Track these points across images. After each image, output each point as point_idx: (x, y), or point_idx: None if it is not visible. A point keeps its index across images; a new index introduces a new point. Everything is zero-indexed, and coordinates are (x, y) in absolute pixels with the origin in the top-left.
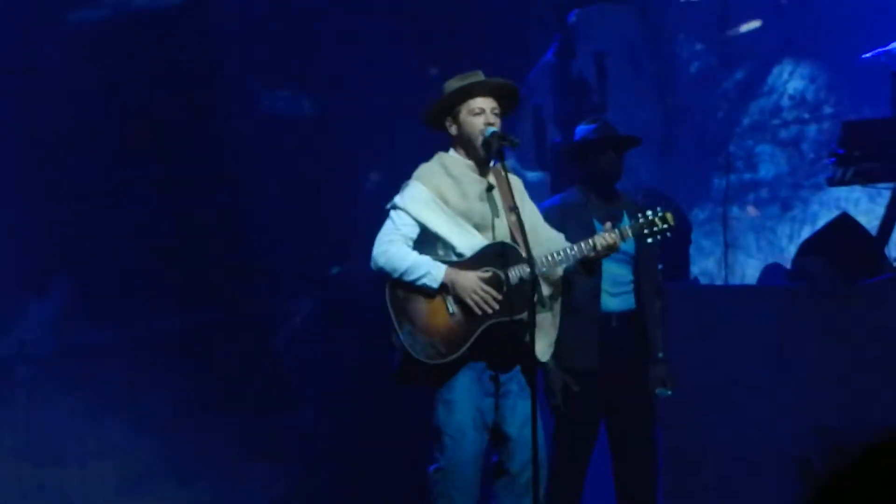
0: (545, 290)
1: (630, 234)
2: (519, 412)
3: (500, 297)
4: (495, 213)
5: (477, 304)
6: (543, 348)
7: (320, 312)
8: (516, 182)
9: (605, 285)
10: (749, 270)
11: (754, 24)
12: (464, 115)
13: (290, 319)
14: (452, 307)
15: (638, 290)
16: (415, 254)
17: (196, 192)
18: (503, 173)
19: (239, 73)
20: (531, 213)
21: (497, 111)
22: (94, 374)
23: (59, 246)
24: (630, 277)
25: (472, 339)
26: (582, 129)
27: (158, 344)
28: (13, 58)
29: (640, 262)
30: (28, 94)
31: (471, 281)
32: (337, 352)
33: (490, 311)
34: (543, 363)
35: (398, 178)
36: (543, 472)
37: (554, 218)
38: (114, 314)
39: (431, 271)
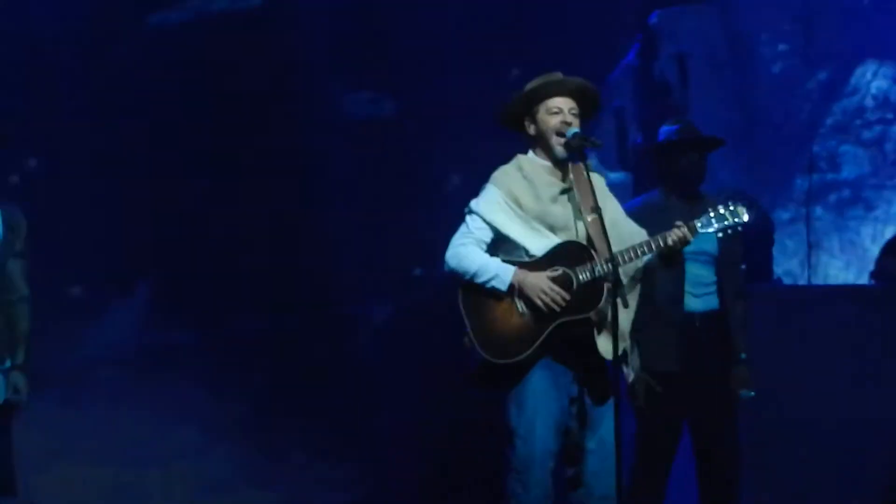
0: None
1: (699, 228)
2: (595, 422)
3: (569, 296)
4: (572, 214)
5: (545, 304)
6: (609, 344)
7: (402, 314)
8: (598, 180)
9: (687, 286)
10: (832, 271)
11: None
12: (541, 114)
13: (371, 321)
14: (523, 308)
15: (721, 291)
16: (485, 256)
17: (278, 195)
18: (584, 173)
19: (320, 76)
20: (613, 210)
21: (575, 111)
22: (176, 376)
23: (143, 252)
24: (713, 278)
25: (542, 338)
26: (665, 130)
27: (239, 346)
28: (95, 68)
29: (722, 262)
30: (106, 104)
31: (539, 280)
32: (419, 353)
33: (558, 309)
34: (611, 360)
35: (480, 181)
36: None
37: (635, 219)
38: (195, 317)
39: (500, 273)
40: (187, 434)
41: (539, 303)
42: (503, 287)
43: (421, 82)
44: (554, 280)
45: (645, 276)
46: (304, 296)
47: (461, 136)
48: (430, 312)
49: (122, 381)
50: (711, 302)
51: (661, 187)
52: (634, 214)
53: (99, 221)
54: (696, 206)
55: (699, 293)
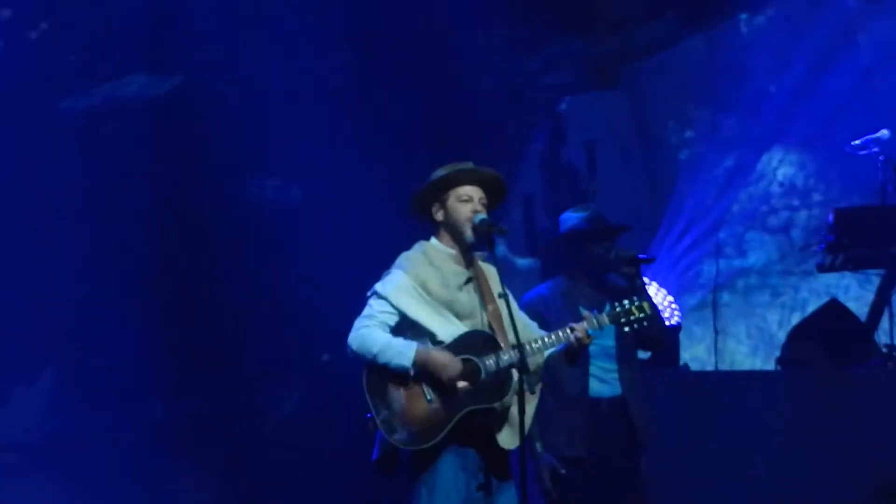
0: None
1: (607, 321)
2: None
3: (476, 385)
4: (476, 302)
5: (450, 378)
6: (511, 436)
7: (311, 400)
8: (493, 271)
9: (592, 370)
10: (738, 357)
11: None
12: (452, 201)
13: (280, 407)
14: (430, 394)
15: (622, 379)
16: (387, 335)
17: (185, 281)
18: (482, 263)
19: (228, 161)
20: (511, 301)
21: (484, 201)
22: (80, 462)
23: (50, 335)
24: (615, 366)
25: (449, 426)
26: (571, 217)
27: (146, 432)
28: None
29: (619, 354)
30: (23, 186)
31: (443, 355)
32: (328, 439)
33: (461, 385)
34: (515, 448)
35: (385, 266)
36: None
37: (540, 305)
38: (101, 402)
39: (403, 350)
40: None
41: (445, 379)
42: (407, 363)
43: (327, 169)
44: (462, 369)
45: (550, 365)
46: (214, 382)
47: (369, 220)
48: (340, 399)
49: (26, 467)
50: (616, 388)
51: (567, 274)
52: (538, 301)
53: (3, 307)
54: (603, 294)
55: (604, 379)
